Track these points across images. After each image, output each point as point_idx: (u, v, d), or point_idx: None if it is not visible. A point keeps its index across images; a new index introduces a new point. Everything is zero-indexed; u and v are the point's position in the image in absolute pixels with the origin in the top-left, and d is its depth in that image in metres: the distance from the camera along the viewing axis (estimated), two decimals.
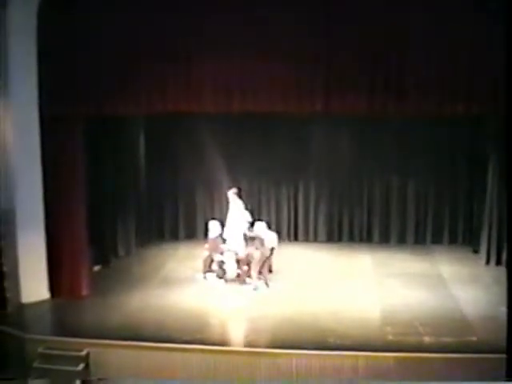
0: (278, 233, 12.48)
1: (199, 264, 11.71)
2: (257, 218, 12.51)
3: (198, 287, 11.25)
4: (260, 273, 11.33)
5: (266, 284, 11.23)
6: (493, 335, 8.68)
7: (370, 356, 8.52)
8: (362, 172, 13.98)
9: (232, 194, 12.09)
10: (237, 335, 9.87)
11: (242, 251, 11.45)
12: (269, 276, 11.47)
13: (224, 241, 11.64)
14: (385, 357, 8.49)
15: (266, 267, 11.43)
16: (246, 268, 11.32)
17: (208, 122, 13.16)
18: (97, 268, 12.05)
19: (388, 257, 13.10)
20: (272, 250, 11.47)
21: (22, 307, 10.28)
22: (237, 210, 11.94)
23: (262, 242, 11.30)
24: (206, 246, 11.72)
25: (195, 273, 11.70)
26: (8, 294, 10.06)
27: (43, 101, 10.31)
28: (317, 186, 14.14)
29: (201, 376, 8.61)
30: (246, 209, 12.14)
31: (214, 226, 11.67)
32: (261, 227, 11.40)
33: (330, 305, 10.37)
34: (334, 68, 9.77)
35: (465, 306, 10.22)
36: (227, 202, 12.26)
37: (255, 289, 11.08)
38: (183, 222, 14.47)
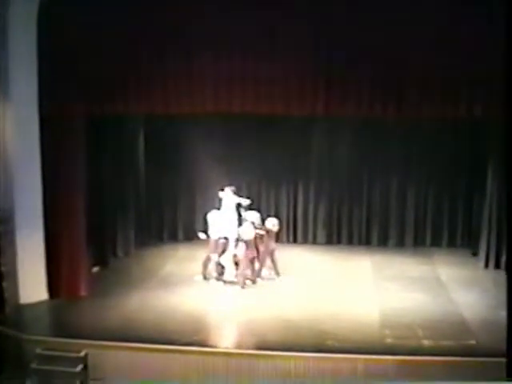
0: (277, 234, 12.46)
1: (198, 265, 11.69)
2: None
3: (198, 289, 11.22)
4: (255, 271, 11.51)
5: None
6: (492, 339, 8.66)
7: (368, 359, 8.49)
8: (361, 174, 14.00)
9: (230, 190, 12.03)
10: (235, 337, 9.84)
11: (240, 252, 11.42)
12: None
13: (227, 241, 11.57)
14: (384, 360, 8.46)
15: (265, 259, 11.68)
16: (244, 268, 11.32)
17: (208, 123, 13.15)
18: (95, 269, 12.01)
19: (387, 260, 13.09)
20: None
21: (20, 308, 10.23)
22: (232, 207, 11.89)
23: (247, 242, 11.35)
24: (211, 246, 11.64)
25: (194, 274, 11.69)
26: (6, 295, 9.99)
27: (43, 99, 10.28)
28: (316, 188, 14.16)
29: (199, 378, 8.59)
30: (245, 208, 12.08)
31: (215, 228, 11.62)
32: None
33: (328, 307, 10.35)
34: (335, 70, 9.78)
35: (464, 310, 10.20)
36: (220, 201, 12.19)
37: (243, 287, 11.17)
38: (182, 223, 14.46)
